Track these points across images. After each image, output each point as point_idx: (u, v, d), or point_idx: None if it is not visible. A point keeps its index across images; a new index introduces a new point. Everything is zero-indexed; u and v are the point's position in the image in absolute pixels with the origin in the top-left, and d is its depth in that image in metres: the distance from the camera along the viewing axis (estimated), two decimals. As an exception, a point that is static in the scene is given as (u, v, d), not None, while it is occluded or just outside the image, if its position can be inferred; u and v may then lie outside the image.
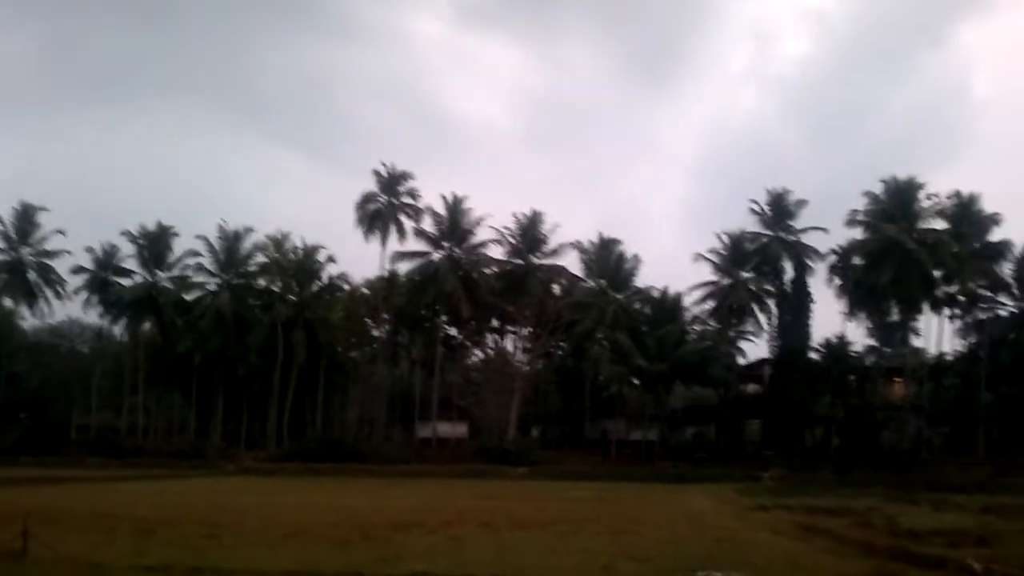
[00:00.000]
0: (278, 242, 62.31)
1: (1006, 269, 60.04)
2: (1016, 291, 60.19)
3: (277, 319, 58.91)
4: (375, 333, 66.75)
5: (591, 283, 62.60)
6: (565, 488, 38.54)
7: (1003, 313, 60.89)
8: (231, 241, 61.69)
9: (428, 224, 60.29)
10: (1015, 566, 14.61)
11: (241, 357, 59.51)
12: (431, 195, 61.88)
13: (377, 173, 61.48)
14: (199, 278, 63.04)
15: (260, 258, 62.44)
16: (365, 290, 66.36)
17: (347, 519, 21.82)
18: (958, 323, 62.23)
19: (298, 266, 61.58)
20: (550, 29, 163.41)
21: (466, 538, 18.49)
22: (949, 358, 63.00)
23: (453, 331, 64.91)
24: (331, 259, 62.17)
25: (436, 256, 59.55)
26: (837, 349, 60.95)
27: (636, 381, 59.48)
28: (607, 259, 62.27)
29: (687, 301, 61.92)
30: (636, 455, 55.79)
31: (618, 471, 49.69)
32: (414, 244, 60.54)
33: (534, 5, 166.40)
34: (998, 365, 58.81)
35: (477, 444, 57.18)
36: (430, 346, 61.44)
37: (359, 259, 77.51)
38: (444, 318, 61.50)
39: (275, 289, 62.14)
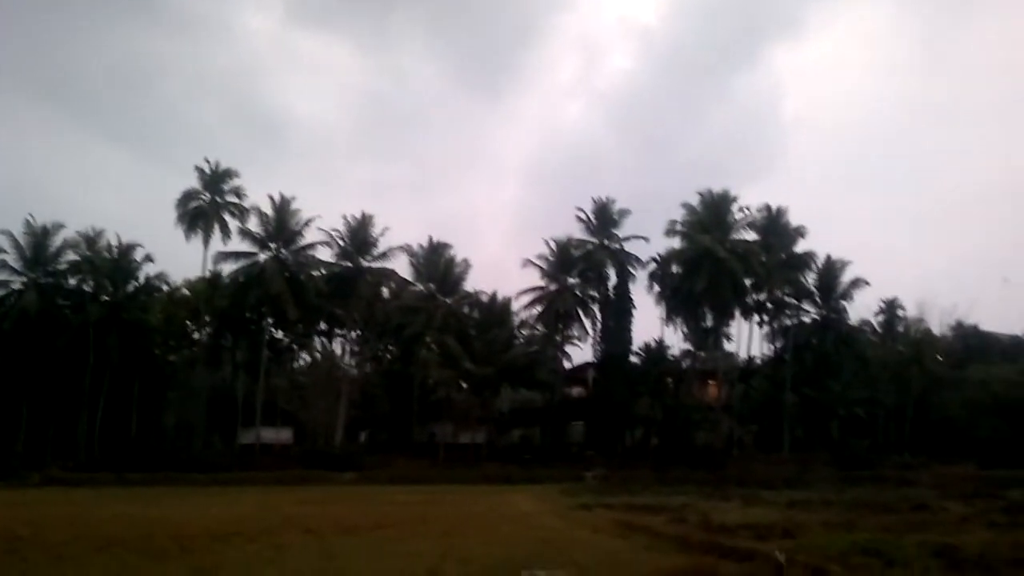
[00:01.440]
0: (91, 239, 58.83)
1: (809, 278, 64.34)
2: (818, 299, 64.52)
3: (89, 320, 55.69)
4: (196, 336, 64.21)
5: (420, 287, 62.53)
6: (393, 492, 38.37)
7: (806, 320, 65.12)
8: (39, 237, 57.78)
9: (254, 224, 58.57)
10: (817, 556, 15.69)
11: (48, 360, 55.93)
12: (259, 195, 60.37)
13: (200, 170, 59.21)
14: (1, 276, 58.77)
15: (71, 256, 58.87)
16: (186, 291, 63.80)
17: (163, 530, 20.90)
18: (766, 328, 66.08)
19: (113, 265, 58.33)
20: (384, 32, 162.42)
21: (289, 546, 18.15)
22: (758, 361, 66.75)
23: (279, 334, 63.30)
24: (149, 258, 59.21)
25: (262, 257, 57.86)
26: (656, 353, 63.44)
27: (464, 384, 59.89)
28: (437, 263, 62.39)
29: (515, 306, 63.01)
30: (464, 458, 56.16)
31: (446, 474, 49.81)
32: (239, 244, 58.72)
33: (368, 7, 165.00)
34: (801, 368, 62.83)
35: (302, 449, 56.02)
36: (255, 349, 59.68)
37: (182, 259, 74.34)
38: (270, 321, 59.89)
39: (87, 289, 58.71)
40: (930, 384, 66.92)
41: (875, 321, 69.92)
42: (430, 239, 63.37)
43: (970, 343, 77.49)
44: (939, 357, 70.68)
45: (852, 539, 18.50)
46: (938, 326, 73.78)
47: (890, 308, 69.53)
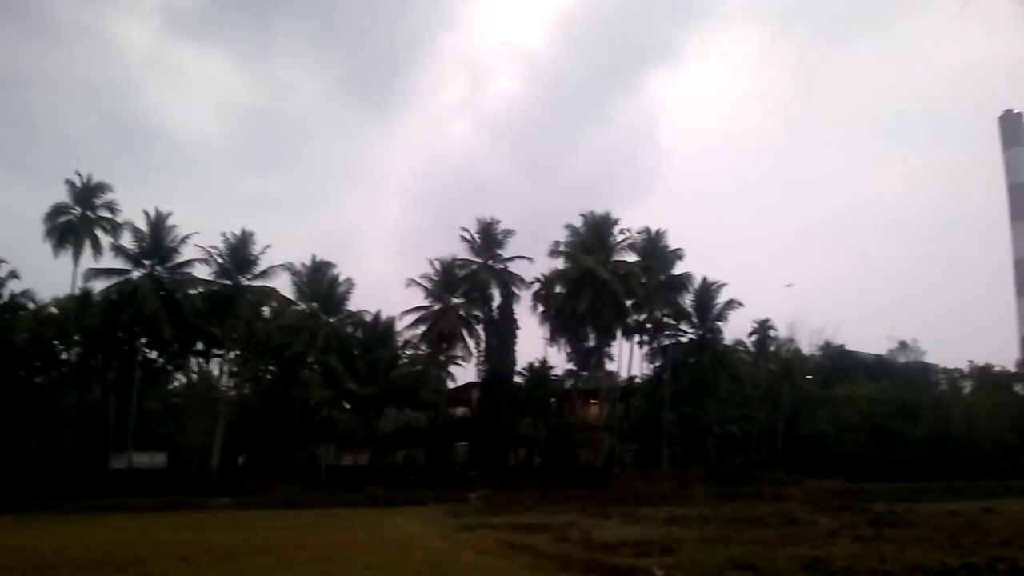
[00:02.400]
0: (-52, 255, 55.66)
1: (687, 300, 66.06)
2: (695, 320, 66.24)
3: (-55, 340, 52.64)
4: (64, 356, 61.32)
5: (303, 306, 61.42)
6: (272, 517, 37.49)
7: (684, 340, 66.75)
8: None
9: (128, 240, 56.35)
10: (693, 572, 16.09)
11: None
12: (133, 210, 58.00)
13: (71, 183, 56.75)
14: None
15: (-76, 272, 55.46)
16: (54, 309, 60.92)
17: (25, 560, 19.88)
18: (646, 348, 67.40)
19: (-29, 282, 55.34)
20: (266, 44, 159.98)
21: (161, 574, 17.54)
22: (638, 381, 68.02)
23: (153, 354, 61.06)
24: (14, 274, 56.35)
25: (136, 275, 55.68)
26: (539, 373, 63.95)
27: (347, 405, 59.08)
28: (320, 282, 61.36)
29: (399, 326, 62.50)
30: (347, 480, 55.32)
31: (328, 497, 48.92)
32: (111, 261, 56.37)
33: (250, 19, 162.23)
34: (679, 387, 64.35)
35: (177, 474, 54.08)
36: (127, 370, 57.34)
37: (50, 276, 70.89)
38: (143, 341, 57.75)
39: (-57, 307, 55.44)
40: (800, 402, 69.56)
41: (748, 341, 72.27)
42: (313, 257, 62.32)
43: (837, 362, 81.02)
44: (808, 376, 73.58)
45: (727, 554, 19.05)
46: (807, 346, 76.97)
47: (762, 328, 71.94)
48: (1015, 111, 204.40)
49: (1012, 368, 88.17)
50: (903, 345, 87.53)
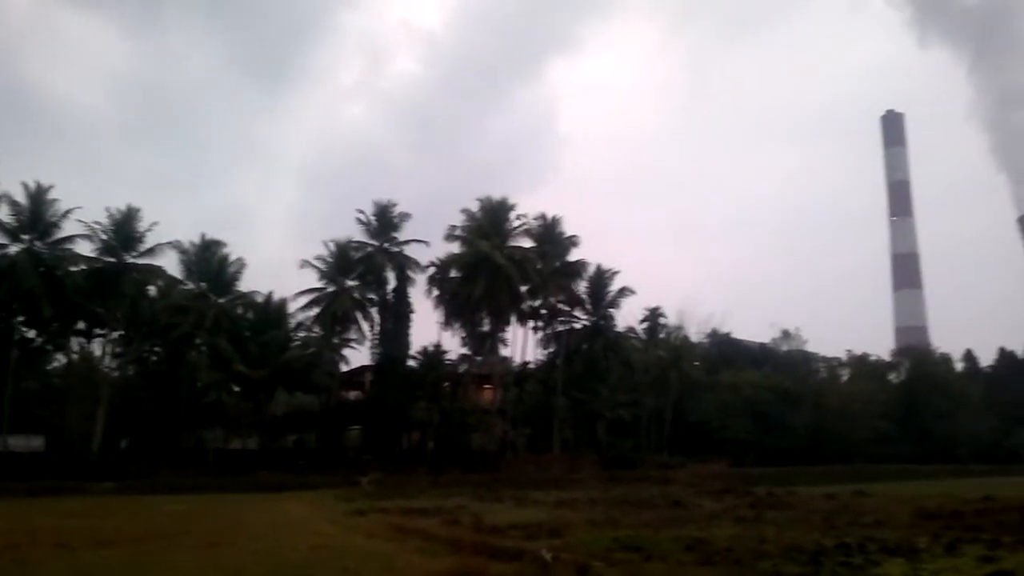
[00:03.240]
0: None
1: (581, 287, 66.95)
2: (589, 306, 67.21)
3: None
4: (-68, 335, 58.25)
5: (191, 286, 59.76)
6: (158, 502, 36.47)
7: (577, 326, 67.67)
8: None
9: (5, 214, 53.80)
10: (581, 553, 16.37)
11: None
12: (11, 182, 55.47)
13: (-59, 153, 53.91)
14: None
15: None
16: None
17: None
18: (540, 334, 68.09)
19: None
20: (157, 16, 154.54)
21: (36, 562, 16.85)
22: (532, 366, 68.67)
23: (31, 333, 58.55)
24: None
25: (13, 250, 53.22)
26: (433, 357, 63.88)
27: (236, 388, 57.89)
28: (209, 261, 59.75)
29: (292, 307, 61.51)
30: (235, 465, 54.21)
31: (216, 482, 47.72)
32: (-13, 236, 53.71)
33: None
34: (572, 373, 65.25)
35: (56, 458, 52.06)
36: (2, 349, 54.91)
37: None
38: (21, 319, 55.31)
39: None
40: (687, 388, 71.45)
41: (640, 328, 73.74)
42: (202, 236, 60.62)
43: (723, 350, 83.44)
44: (696, 363, 75.62)
45: (614, 535, 19.44)
46: (695, 334, 78.98)
47: (653, 316, 73.54)
48: (896, 111, 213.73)
49: (887, 358, 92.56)
50: (786, 334, 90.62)
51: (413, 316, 62.63)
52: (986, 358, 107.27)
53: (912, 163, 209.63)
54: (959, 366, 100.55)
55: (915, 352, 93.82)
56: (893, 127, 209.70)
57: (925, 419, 77.61)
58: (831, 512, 27.21)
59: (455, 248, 62.52)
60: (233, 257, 60.46)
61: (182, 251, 59.50)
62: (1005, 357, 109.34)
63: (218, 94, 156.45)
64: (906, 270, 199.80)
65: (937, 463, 66.54)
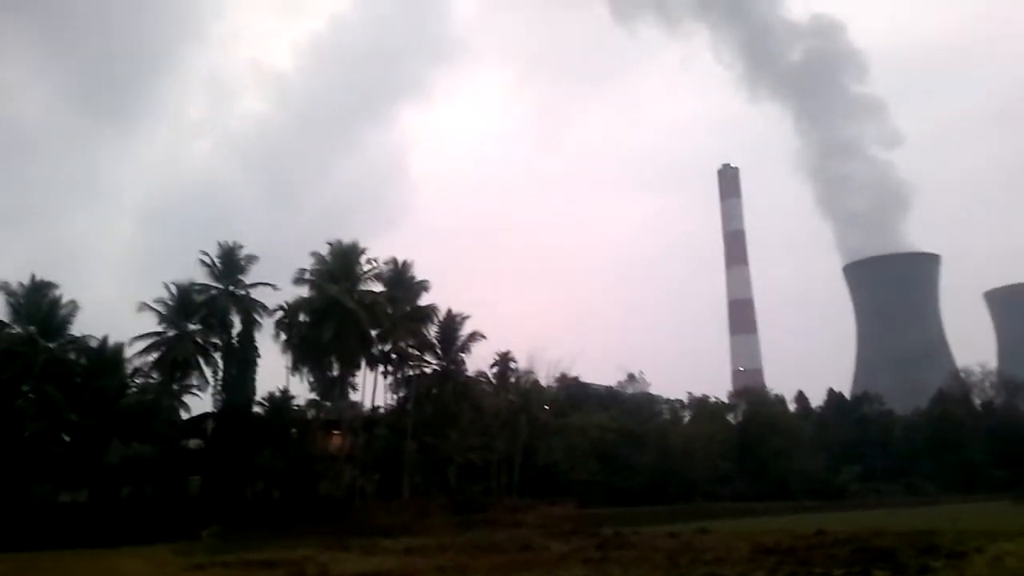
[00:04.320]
0: None
1: (432, 331, 66.87)
2: (439, 351, 67.16)
3: None
4: None
5: (18, 329, 56.25)
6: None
7: (428, 370, 67.43)
8: None
9: None
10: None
11: None
12: None
13: None
14: None
15: None
16: None
17: None
18: (390, 379, 67.43)
19: None
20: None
21: None
22: (381, 411, 67.90)
23: None
24: None
25: None
26: (280, 403, 62.27)
27: (67, 438, 54.62)
28: (39, 303, 56.28)
29: (130, 352, 58.66)
30: (64, 519, 50.88)
31: (42, 538, 44.73)
32: None
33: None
34: (422, 417, 64.87)
35: None
36: None
37: None
38: None
39: None
40: (537, 431, 72.19)
41: (490, 372, 74.18)
42: (32, 276, 57.21)
43: (572, 393, 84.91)
44: (545, 406, 76.61)
45: (463, 582, 19.39)
46: (545, 378, 79.98)
47: (503, 360, 74.08)
48: (731, 165, 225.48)
49: (725, 399, 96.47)
50: (631, 377, 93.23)
51: (259, 361, 60.86)
52: (816, 399, 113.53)
53: (748, 213, 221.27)
54: (792, 407, 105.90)
55: (751, 394, 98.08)
56: (729, 180, 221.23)
57: (761, 458, 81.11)
58: (674, 551, 28.01)
59: (304, 292, 61.43)
60: (66, 299, 57.12)
61: (9, 292, 55.96)
62: (833, 397, 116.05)
63: (55, 128, 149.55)
64: (742, 315, 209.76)
65: (773, 500, 69.63)
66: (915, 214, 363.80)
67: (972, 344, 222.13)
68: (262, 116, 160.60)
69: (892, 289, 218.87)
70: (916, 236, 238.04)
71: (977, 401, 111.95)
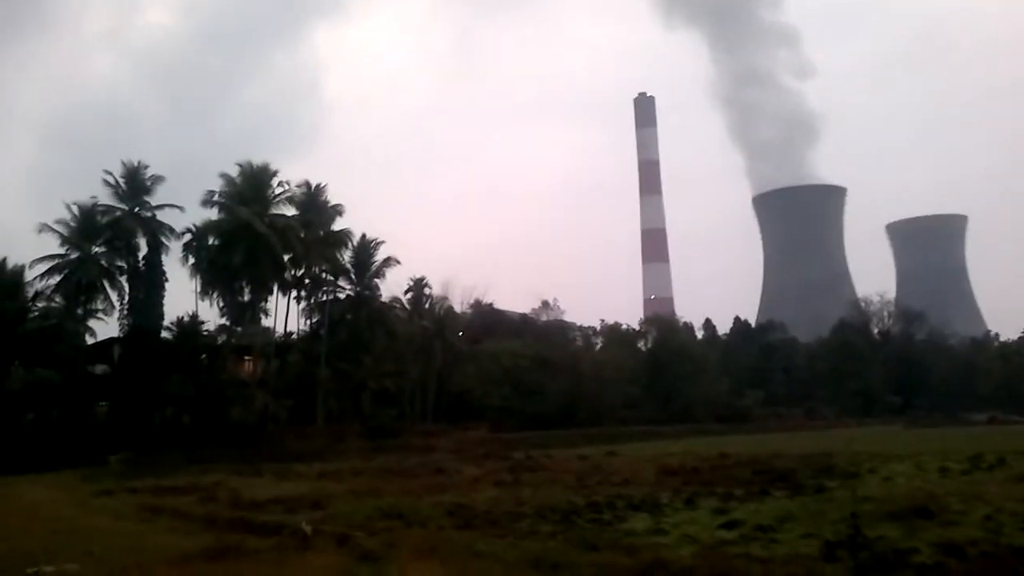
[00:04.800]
0: None
1: (346, 256, 66.17)
2: (354, 276, 66.59)
3: None
4: None
5: (-91, 252, 53.80)
6: None
7: (341, 296, 66.94)
8: None
9: None
10: (342, 524, 16.35)
11: None
12: None
13: None
14: None
15: None
16: None
17: None
18: (303, 304, 66.77)
19: None
20: None
21: None
22: (294, 337, 67.32)
23: None
24: None
25: None
26: (189, 328, 61.09)
27: (-36, 364, 52.86)
28: (-70, 225, 54.10)
29: (31, 275, 56.69)
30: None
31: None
32: None
33: None
34: (336, 343, 64.54)
35: None
36: None
37: None
38: None
39: None
40: (451, 358, 72.64)
41: (404, 298, 74.00)
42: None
43: (486, 320, 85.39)
44: (459, 333, 76.98)
45: (376, 505, 19.58)
46: (459, 304, 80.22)
47: (418, 287, 73.98)
48: (647, 94, 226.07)
49: (636, 327, 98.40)
50: (545, 304, 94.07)
51: (167, 285, 59.55)
52: (724, 326, 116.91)
53: (664, 143, 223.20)
54: (700, 334, 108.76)
55: (661, 321, 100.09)
56: (644, 109, 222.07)
57: (669, 383, 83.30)
58: (584, 473, 28.71)
59: (213, 215, 59.99)
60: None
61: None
62: (739, 325, 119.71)
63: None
64: (654, 244, 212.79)
65: (680, 423, 71.66)
66: (824, 147, 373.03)
67: (873, 275, 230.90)
68: (167, 30, 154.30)
69: (798, 221, 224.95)
70: (824, 168, 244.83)
71: (875, 330, 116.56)
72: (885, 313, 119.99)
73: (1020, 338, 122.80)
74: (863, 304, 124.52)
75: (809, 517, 15.67)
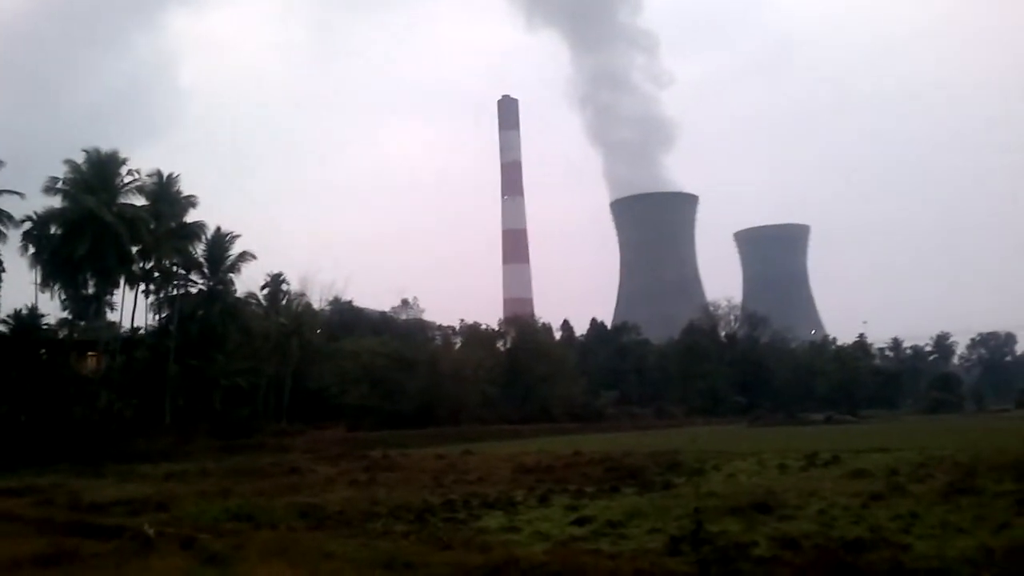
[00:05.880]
0: None
1: (199, 249, 63.99)
2: (207, 270, 64.49)
3: None
4: None
5: None
6: None
7: (193, 290, 64.71)
8: None
9: None
10: (188, 526, 15.84)
11: None
12: None
13: None
14: None
15: None
16: None
17: None
18: (152, 298, 64.21)
19: None
20: None
21: None
22: (142, 332, 64.68)
23: None
24: None
25: None
26: (28, 321, 57.90)
27: None
28: None
29: None
30: None
31: None
32: None
33: None
34: (186, 339, 62.34)
35: None
36: None
37: None
38: None
39: None
40: (308, 355, 71.36)
41: (260, 294, 72.28)
42: None
43: (345, 318, 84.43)
44: (317, 330, 75.78)
45: (225, 506, 19.11)
46: (318, 301, 78.93)
47: (275, 282, 72.41)
48: (511, 96, 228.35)
49: (496, 327, 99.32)
50: (405, 303, 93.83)
51: (3, 276, 56.24)
52: (581, 327, 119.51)
53: (527, 143, 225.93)
54: (558, 335, 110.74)
55: (520, 322, 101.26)
56: (508, 111, 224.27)
57: (527, 383, 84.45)
58: (440, 472, 28.80)
59: (57, 202, 56.97)
60: None
61: None
62: (596, 327, 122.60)
63: None
64: (515, 245, 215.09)
65: (536, 423, 72.79)
66: (679, 153, 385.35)
67: (722, 280, 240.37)
68: (8, 3, 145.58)
69: (653, 225, 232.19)
70: (678, 175, 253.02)
71: (723, 333, 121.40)
72: (732, 317, 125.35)
73: (855, 342, 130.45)
74: (711, 308, 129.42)
75: (656, 513, 16.19)
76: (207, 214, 64.78)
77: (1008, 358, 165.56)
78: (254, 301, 71.74)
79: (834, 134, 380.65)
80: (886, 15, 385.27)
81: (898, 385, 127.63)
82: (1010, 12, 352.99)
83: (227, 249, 64.91)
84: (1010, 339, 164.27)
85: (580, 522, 15.81)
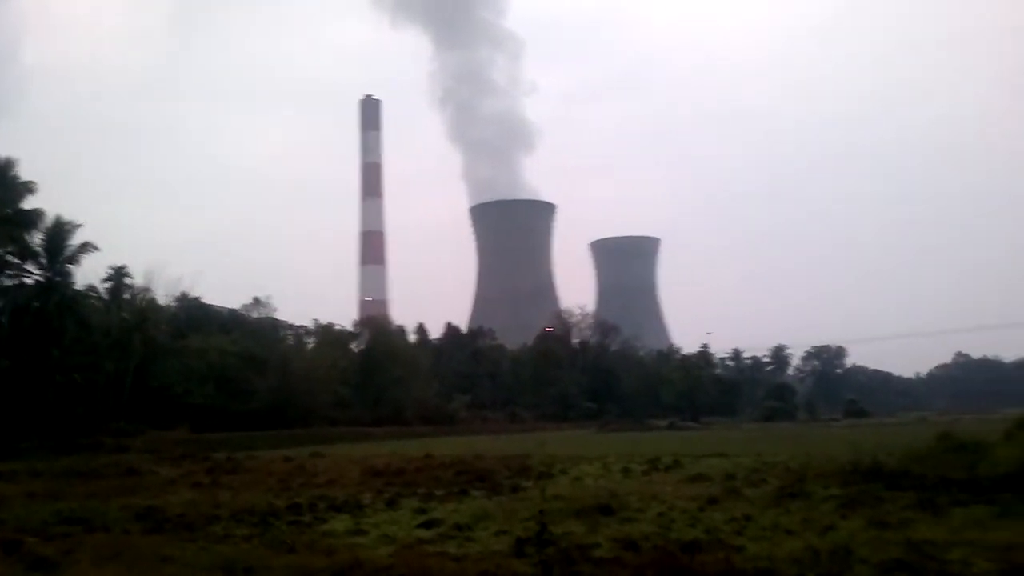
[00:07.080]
0: None
1: (36, 238, 60.63)
2: (44, 260, 61.17)
3: None
4: None
5: None
6: None
7: (29, 281, 61.31)
8: None
9: None
10: (13, 530, 15.02)
11: None
12: None
13: None
14: None
15: None
16: None
17: None
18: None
19: None
20: None
21: None
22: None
23: None
24: None
25: None
26: None
27: None
28: None
29: None
30: None
31: None
32: None
33: None
34: (19, 332, 58.93)
35: None
36: None
37: None
38: None
39: None
40: (152, 352, 68.58)
41: (102, 287, 69.09)
42: None
43: (192, 314, 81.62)
44: (163, 327, 72.97)
45: (56, 508, 18.25)
46: (163, 296, 75.97)
47: (118, 276, 69.40)
48: (373, 97, 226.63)
49: (350, 328, 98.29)
50: (257, 301, 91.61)
51: None
52: (436, 331, 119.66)
53: (389, 143, 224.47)
54: (413, 337, 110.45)
55: (375, 323, 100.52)
56: (370, 111, 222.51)
57: (381, 385, 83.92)
58: (287, 474, 28.29)
59: None
60: None
61: None
62: (451, 330, 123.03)
63: None
64: (372, 247, 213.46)
65: (389, 425, 72.34)
66: (538, 163, 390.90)
67: (576, 288, 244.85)
68: None
69: (511, 232, 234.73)
70: (537, 183, 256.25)
71: (575, 340, 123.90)
72: (584, 324, 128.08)
73: (699, 352, 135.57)
74: (565, 315, 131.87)
75: (504, 516, 16.39)
76: (47, 202, 61.31)
77: (839, 370, 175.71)
78: (95, 295, 68.49)
79: (686, 151, 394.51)
80: (743, 39, 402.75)
81: (737, 394, 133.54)
82: (854, 31, 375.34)
83: (67, 239, 61.67)
84: (841, 352, 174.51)
85: (428, 525, 15.84)
